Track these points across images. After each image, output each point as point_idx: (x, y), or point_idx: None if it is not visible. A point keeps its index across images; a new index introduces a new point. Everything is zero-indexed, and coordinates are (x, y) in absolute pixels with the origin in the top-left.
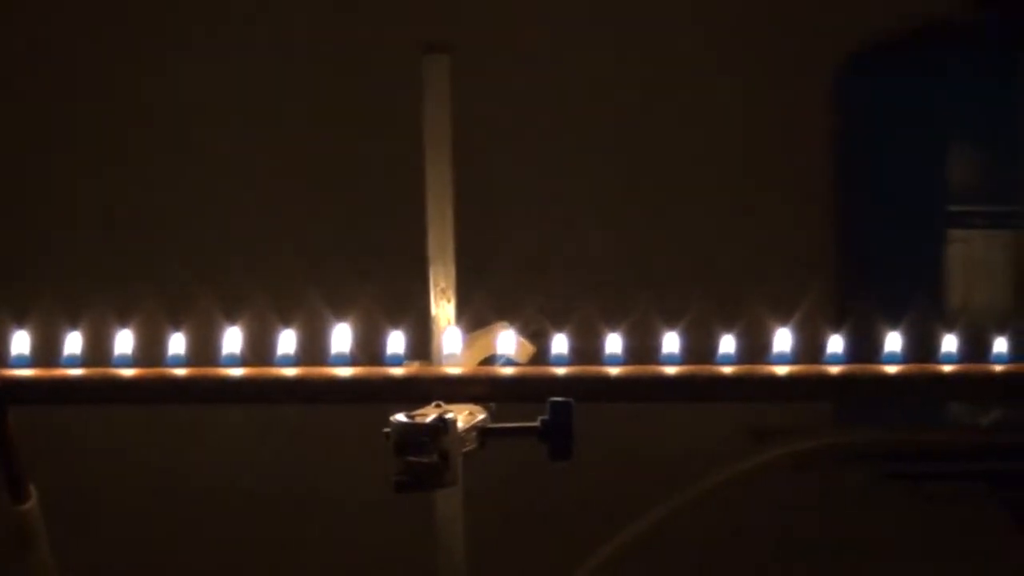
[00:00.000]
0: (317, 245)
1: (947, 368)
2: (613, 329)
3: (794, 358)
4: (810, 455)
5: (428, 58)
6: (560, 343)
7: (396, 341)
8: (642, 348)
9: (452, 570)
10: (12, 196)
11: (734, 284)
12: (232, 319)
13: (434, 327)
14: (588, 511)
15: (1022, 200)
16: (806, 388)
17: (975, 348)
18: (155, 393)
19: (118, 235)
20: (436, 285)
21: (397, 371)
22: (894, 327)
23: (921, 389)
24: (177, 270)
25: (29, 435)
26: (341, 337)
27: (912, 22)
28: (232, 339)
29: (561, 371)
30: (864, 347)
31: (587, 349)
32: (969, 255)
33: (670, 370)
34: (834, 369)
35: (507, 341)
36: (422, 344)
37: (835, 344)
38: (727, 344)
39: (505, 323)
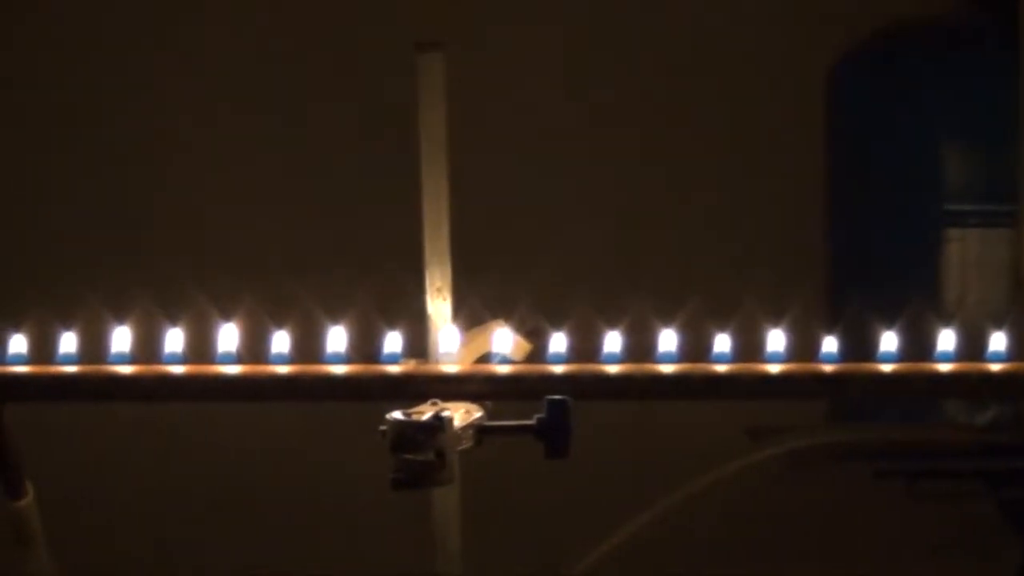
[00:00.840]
0: (313, 243)
1: (942, 367)
2: (609, 328)
3: (789, 356)
4: (806, 454)
5: (422, 56)
6: (556, 341)
7: (392, 339)
8: (638, 346)
9: (448, 567)
10: (9, 195)
11: (729, 282)
12: (229, 317)
13: (430, 325)
14: (584, 509)
15: (1016, 199)
16: (801, 386)
17: (970, 347)
18: (151, 390)
19: (115, 233)
20: (432, 283)
21: (393, 369)
22: (889, 325)
23: (916, 388)
24: (173, 268)
25: (26, 432)
26: (337, 335)
27: (907, 22)
28: (228, 337)
29: (557, 369)
30: (859, 345)
31: (583, 347)
32: (964, 253)
33: (666, 368)
34: (829, 367)
35: (503, 339)
36: (418, 342)
37: (830, 343)
38: (722, 342)
39: (501, 321)
